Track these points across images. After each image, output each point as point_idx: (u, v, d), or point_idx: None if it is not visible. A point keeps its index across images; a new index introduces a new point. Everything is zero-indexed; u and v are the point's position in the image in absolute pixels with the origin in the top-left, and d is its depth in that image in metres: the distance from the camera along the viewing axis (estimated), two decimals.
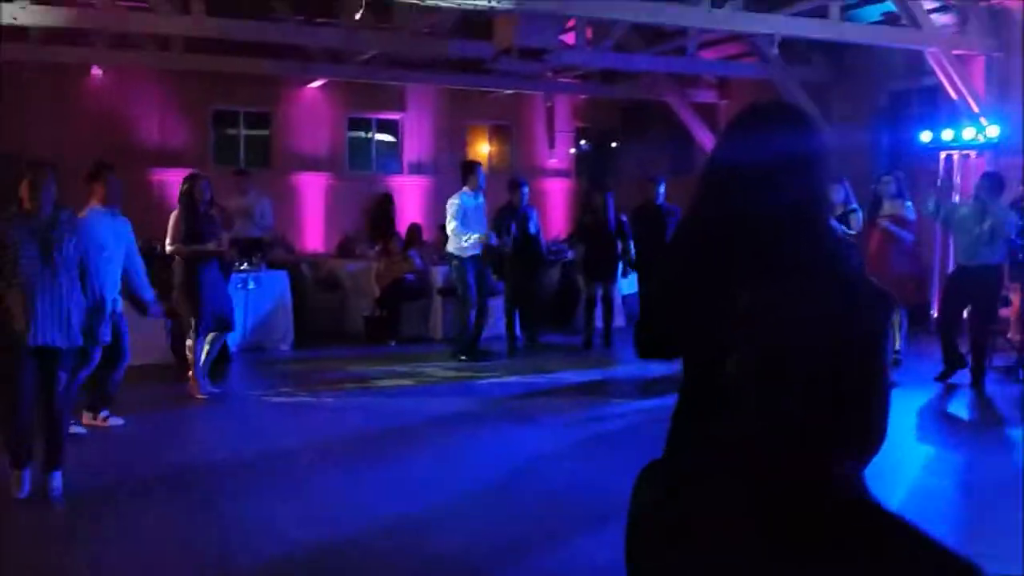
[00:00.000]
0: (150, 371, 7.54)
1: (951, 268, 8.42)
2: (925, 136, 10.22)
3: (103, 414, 5.99)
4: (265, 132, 14.32)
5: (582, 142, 16.57)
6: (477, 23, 10.19)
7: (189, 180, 7.01)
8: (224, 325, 7.01)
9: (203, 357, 6.97)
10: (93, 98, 13.10)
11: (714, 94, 14.53)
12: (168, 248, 6.84)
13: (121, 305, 6.02)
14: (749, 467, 1.14)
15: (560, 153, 16.27)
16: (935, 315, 10.09)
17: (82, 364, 5.17)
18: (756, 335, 1.19)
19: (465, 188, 8.68)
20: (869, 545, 1.08)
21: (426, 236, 11.82)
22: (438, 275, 10.00)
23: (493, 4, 8.03)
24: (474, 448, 5.76)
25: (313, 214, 14.36)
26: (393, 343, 9.55)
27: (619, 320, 10.05)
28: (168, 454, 5.56)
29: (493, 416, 6.64)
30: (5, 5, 8.46)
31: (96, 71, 13.04)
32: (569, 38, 11.40)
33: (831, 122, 12.17)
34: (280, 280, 9.28)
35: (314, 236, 14.18)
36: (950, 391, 7.31)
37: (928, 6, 10.04)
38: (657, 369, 7.03)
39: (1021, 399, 7.15)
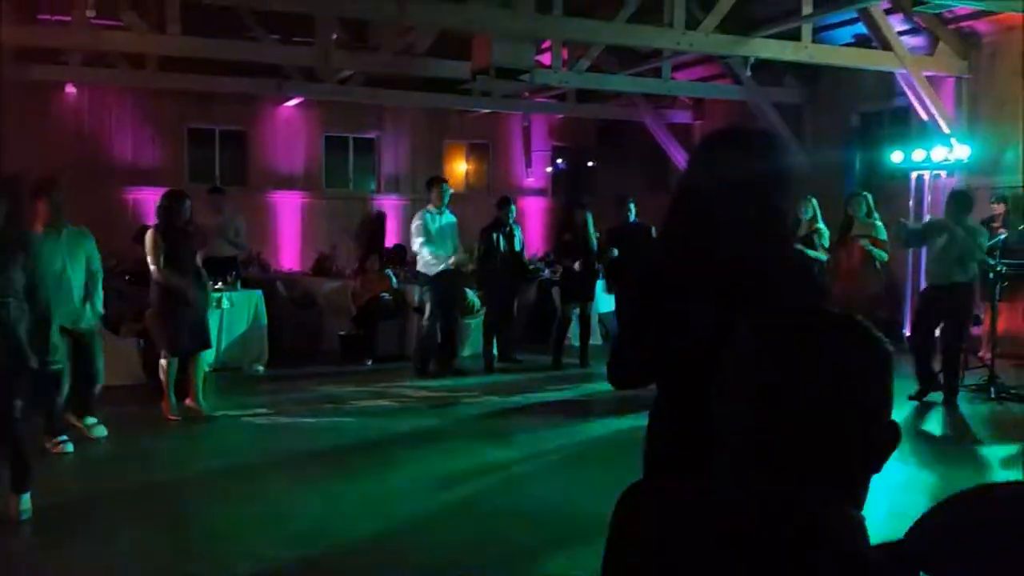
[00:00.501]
0: (124, 392, 7.46)
1: (923, 286, 8.50)
2: (896, 156, 10.38)
3: (59, 439, 5.78)
4: (241, 150, 14.27)
5: (559, 161, 16.64)
6: (454, 43, 10.24)
7: (169, 198, 6.88)
8: (202, 343, 6.95)
9: (197, 378, 6.91)
10: (67, 116, 13.01)
11: (689, 114, 14.68)
12: (153, 271, 6.69)
13: (93, 324, 5.95)
14: (734, 504, 1.12)
15: (537, 172, 16.34)
16: (907, 334, 10.21)
17: (40, 386, 5.08)
18: (749, 372, 1.16)
19: (429, 206, 8.67)
20: None
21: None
22: (415, 294, 9.99)
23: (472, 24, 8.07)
24: (448, 467, 5.73)
25: (289, 232, 14.31)
26: (369, 362, 9.50)
27: (595, 338, 10.07)
28: (141, 474, 5.49)
29: (468, 435, 6.61)
30: None
31: (70, 89, 12.96)
32: (545, 58, 11.48)
33: (804, 142, 12.33)
34: (255, 299, 9.22)
35: (290, 254, 14.11)
36: (923, 409, 7.36)
37: (898, 28, 10.22)
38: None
39: (993, 417, 7.23)
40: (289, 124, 14.36)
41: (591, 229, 9.44)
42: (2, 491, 4.47)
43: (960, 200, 7.54)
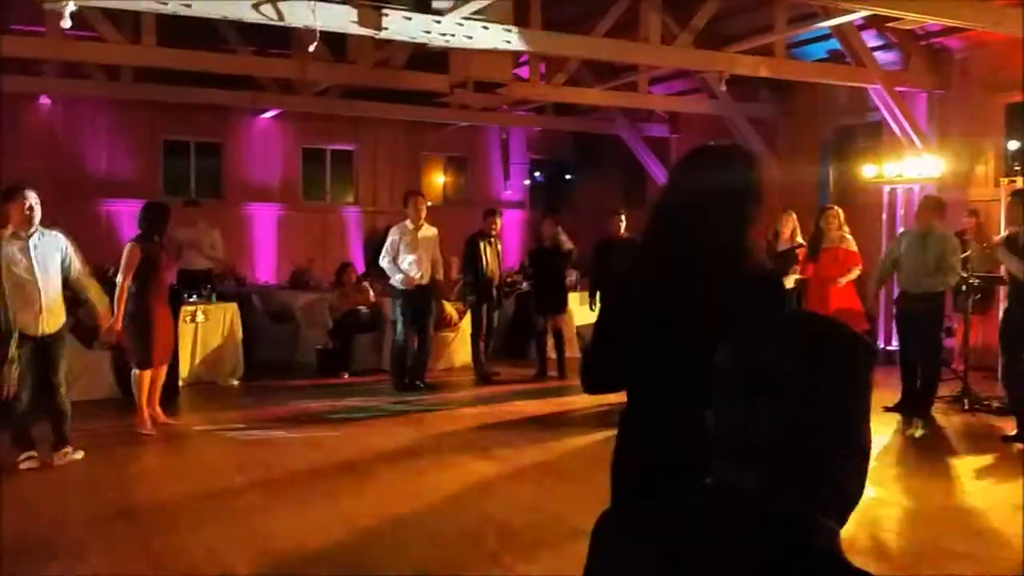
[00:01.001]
0: (97, 406, 7.37)
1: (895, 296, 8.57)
2: (869, 170, 10.50)
3: (23, 455, 5.72)
4: (216, 162, 14.19)
5: (536, 174, 16.70)
6: (432, 56, 10.25)
7: (157, 209, 6.85)
8: (169, 356, 6.93)
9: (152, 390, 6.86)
10: (41, 127, 12.89)
11: (665, 128, 14.79)
12: (121, 285, 6.62)
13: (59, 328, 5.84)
14: (717, 523, 1.12)
15: (515, 184, 16.38)
16: (881, 346, 10.31)
17: None
18: (732, 389, 1.17)
19: (406, 220, 8.65)
20: None
21: None
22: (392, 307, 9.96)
23: (448, 39, 8.08)
24: (426, 481, 5.70)
25: (265, 245, 14.23)
26: (346, 375, 9.45)
27: (574, 351, 10.08)
28: (113, 491, 5.42)
29: (446, 449, 6.59)
30: None
31: (44, 100, 12.84)
32: (523, 72, 11.53)
33: (778, 157, 12.46)
34: (230, 312, 9.15)
35: (266, 267, 14.03)
36: (897, 421, 7.41)
37: (871, 44, 10.36)
38: (611, 400, 7.07)
39: (967, 428, 7.30)
40: (265, 136, 14.31)
41: (560, 240, 9.46)
42: None
43: (930, 206, 7.62)
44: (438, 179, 16.10)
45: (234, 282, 11.62)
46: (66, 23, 6.93)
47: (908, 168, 10.13)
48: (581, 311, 10.34)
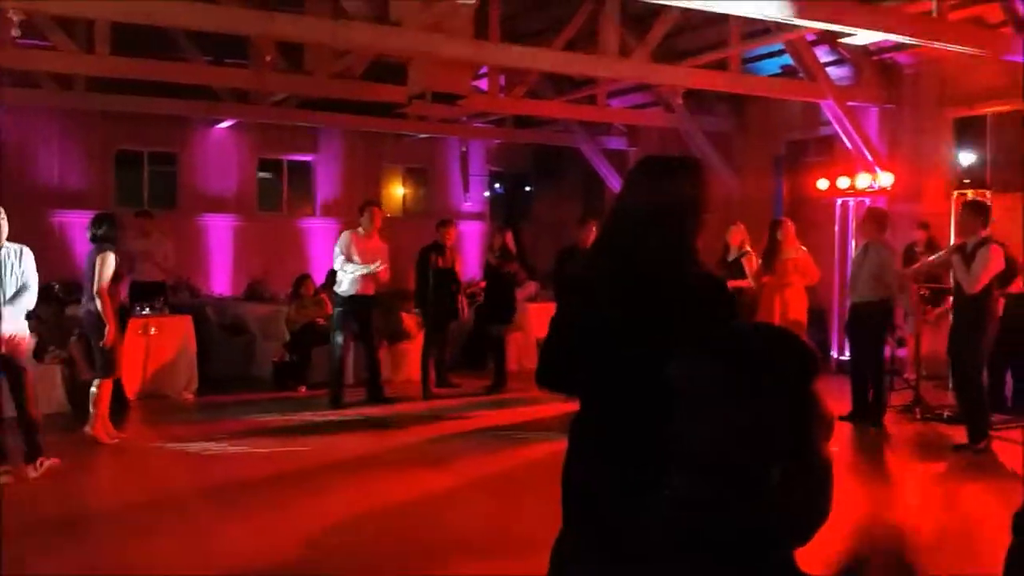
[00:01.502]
0: (46, 420, 7.19)
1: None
2: (821, 183, 10.68)
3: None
4: (171, 172, 13.99)
5: (496, 186, 16.72)
6: (391, 67, 10.23)
7: (113, 220, 6.79)
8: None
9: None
10: None
11: (624, 141, 14.90)
12: (104, 293, 6.56)
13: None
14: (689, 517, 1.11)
15: (474, 196, 16.38)
16: (834, 355, 10.46)
17: None
18: (691, 409, 1.15)
19: (358, 228, 8.58)
20: None
21: None
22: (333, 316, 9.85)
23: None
24: (382, 494, 5.65)
25: (220, 256, 14.05)
26: (303, 389, 9.33)
27: (532, 363, 10.08)
28: (65, 506, 5.30)
29: (403, 461, 6.54)
30: None
31: None
32: (483, 84, 11.56)
33: (733, 169, 12.62)
34: (184, 325, 9.01)
35: (221, 279, 13.85)
36: (850, 431, 7.50)
37: (824, 60, 10.55)
38: (569, 409, 7.08)
39: (919, 437, 7.42)
40: (221, 146, 14.14)
41: (509, 252, 9.44)
42: None
43: (876, 217, 7.77)
44: (397, 191, 16.05)
45: (188, 294, 11.45)
46: (15, 31, 6.80)
47: (859, 181, 10.32)
48: (542, 322, 10.37)
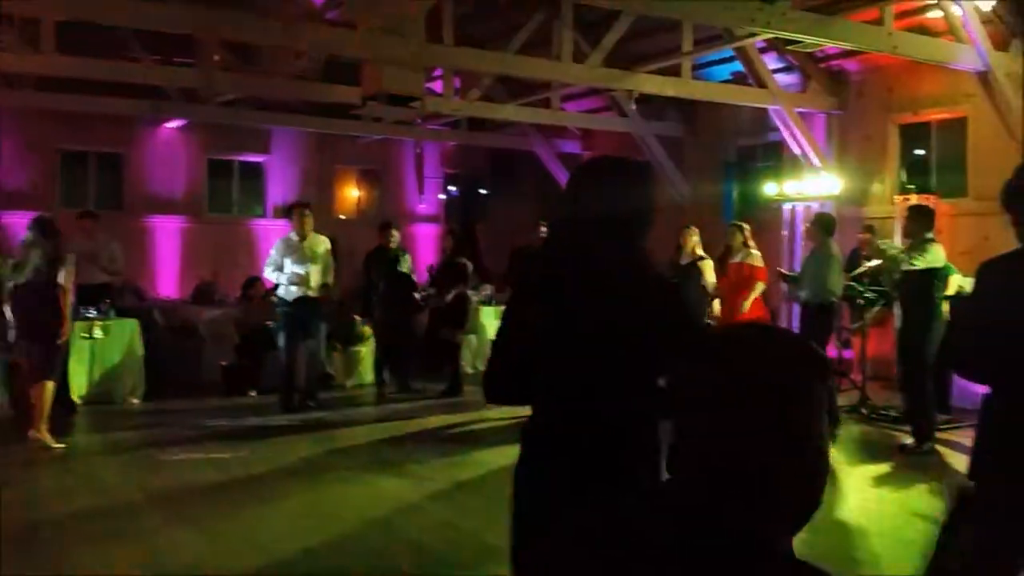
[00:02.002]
0: None
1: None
2: (770, 188, 10.85)
3: None
4: (117, 173, 13.71)
5: (451, 188, 16.68)
6: (344, 68, 10.15)
7: (50, 222, 6.72)
8: None
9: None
10: None
11: (578, 145, 14.98)
12: (66, 291, 6.55)
13: None
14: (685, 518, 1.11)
15: (429, 199, 16.32)
16: None
17: None
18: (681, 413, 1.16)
19: (291, 232, 8.42)
20: None
21: None
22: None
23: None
24: (336, 499, 5.60)
25: (168, 259, 13.79)
26: (254, 393, 9.21)
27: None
28: (8, 511, 5.13)
29: (357, 465, 6.48)
30: None
31: None
32: (437, 86, 11.52)
33: (685, 174, 12.77)
34: (130, 328, 8.83)
35: (168, 282, 13.60)
36: None
37: (772, 67, 10.72)
38: (524, 413, 7.09)
39: (865, 437, 7.56)
40: (169, 146, 13.89)
41: (463, 254, 9.43)
42: None
43: (822, 221, 7.94)
44: (352, 192, 15.93)
45: (134, 297, 11.22)
46: None
47: (807, 186, 10.50)
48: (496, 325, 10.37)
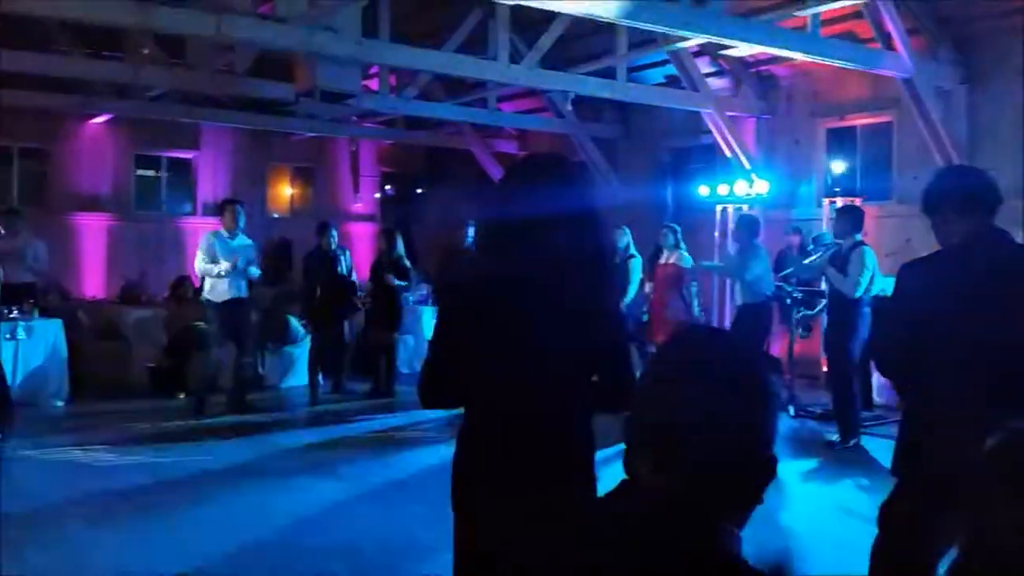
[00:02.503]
0: None
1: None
2: (703, 190, 11.04)
3: None
4: (41, 169, 13.27)
5: (387, 187, 16.56)
6: (277, 63, 9.99)
7: None
8: None
9: None
10: None
11: (515, 145, 15.02)
12: None
13: None
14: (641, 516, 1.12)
15: (365, 198, 16.18)
16: None
17: None
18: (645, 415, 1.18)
19: (221, 228, 8.24)
20: None
21: None
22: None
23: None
24: (266, 501, 5.51)
25: (93, 258, 13.40)
26: (182, 395, 8.99)
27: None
28: None
29: (288, 469, 6.38)
30: None
31: None
32: (373, 84, 11.43)
33: (620, 176, 12.90)
34: (54, 328, 8.56)
35: (94, 281, 13.22)
36: None
37: (705, 71, 10.91)
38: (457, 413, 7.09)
39: (793, 435, 7.73)
40: (96, 142, 13.50)
41: (397, 254, 9.33)
42: None
43: (747, 224, 8.13)
44: (285, 190, 15.70)
45: (59, 296, 10.88)
46: None
47: (738, 188, 10.71)
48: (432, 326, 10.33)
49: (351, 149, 15.89)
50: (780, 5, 8.59)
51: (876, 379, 7.75)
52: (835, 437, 7.12)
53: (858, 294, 6.81)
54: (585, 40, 10.69)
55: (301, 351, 9.77)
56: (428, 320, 10.20)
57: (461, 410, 2.37)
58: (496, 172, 14.37)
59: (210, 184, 14.48)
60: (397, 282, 9.16)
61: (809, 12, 8.34)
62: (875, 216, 9.55)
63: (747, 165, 10.89)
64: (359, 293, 9.93)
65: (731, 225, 10.79)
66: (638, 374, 1.45)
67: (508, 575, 1.20)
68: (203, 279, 8.20)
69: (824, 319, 7.87)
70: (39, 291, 9.34)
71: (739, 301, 8.03)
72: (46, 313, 8.85)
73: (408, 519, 5.09)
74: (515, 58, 9.82)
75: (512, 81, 10.48)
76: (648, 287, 8.71)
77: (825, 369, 8.41)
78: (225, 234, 8.10)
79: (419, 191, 16.40)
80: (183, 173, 14.53)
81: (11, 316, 8.17)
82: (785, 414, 8.20)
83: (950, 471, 1.58)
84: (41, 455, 6.58)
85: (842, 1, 8.19)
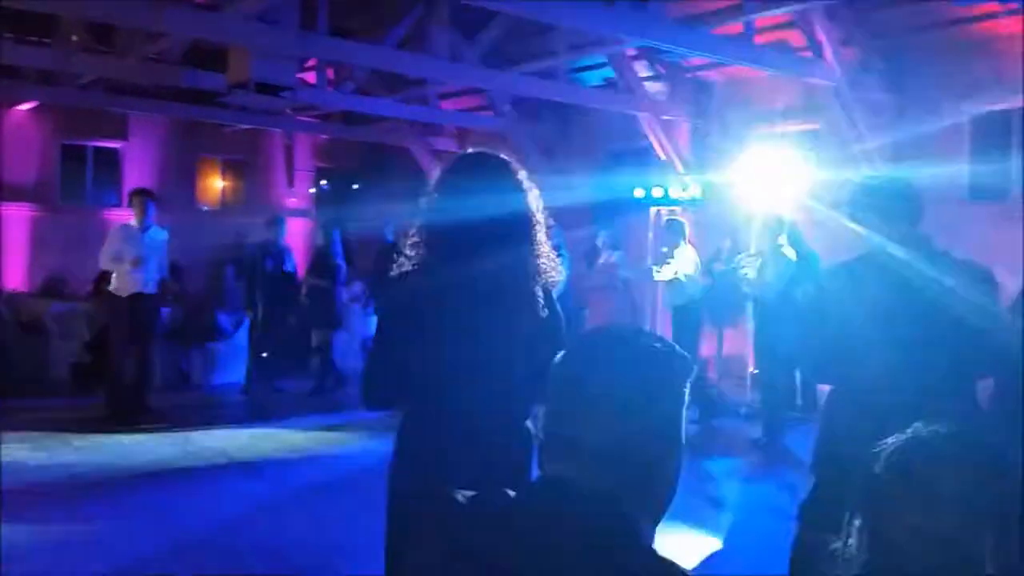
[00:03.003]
0: None
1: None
2: (638, 192, 11.16)
3: None
4: None
5: (323, 182, 16.36)
6: (210, 53, 9.78)
7: None
8: None
9: None
10: None
11: (454, 143, 14.95)
12: None
13: None
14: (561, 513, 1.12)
15: (300, 192, 15.95)
16: None
17: None
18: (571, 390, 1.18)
19: (131, 220, 7.97)
20: None
21: None
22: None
23: None
24: (189, 501, 5.39)
25: (15, 249, 12.92)
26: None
27: (357, 364, 9.93)
28: None
29: (213, 468, 6.26)
30: None
31: None
32: (310, 77, 11.27)
33: (558, 176, 12.95)
34: None
35: (15, 273, 12.75)
36: None
37: (642, 75, 11.02)
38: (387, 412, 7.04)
39: (720, 434, 7.87)
40: (19, 130, 13.01)
41: (335, 251, 9.24)
42: None
43: (672, 227, 8.34)
44: (216, 183, 15.38)
45: None
46: None
47: (672, 191, 10.86)
48: (367, 323, 10.25)
49: (286, 143, 15.64)
50: (717, 12, 8.73)
51: (800, 378, 7.94)
52: (761, 436, 7.26)
53: (770, 295, 6.98)
54: (526, 39, 10.71)
55: (228, 348, 9.59)
56: (361, 318, 10.12)
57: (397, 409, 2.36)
58: (434, 169, 14.30)
59: (138, 175, 14.07)
60: (326, 281, 9.07)
61: (744, 20, 8.50)
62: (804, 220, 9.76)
63: (680, 168, 11.04)
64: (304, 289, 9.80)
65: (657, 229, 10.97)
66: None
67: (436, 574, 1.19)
68: (111, 272, 7.87)
69: (752, 321, 8.04)
70: None
71: (668, 303, 8.17)
72: None
73: (333, 519, 5.04)
74: (455, 55, 9.79)
75: (451, 79, 10.46)
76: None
77: (752, 369, 8.61)
78: (135, 226, 7.84)
79: (356, 187, 16.23)
80: (110, 164, 14.11)
81: None
82: (708, 412, 8.34)
83: (861, 471, 1.63)
84: None
85: (777, 10, 8.37)
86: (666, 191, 10.84)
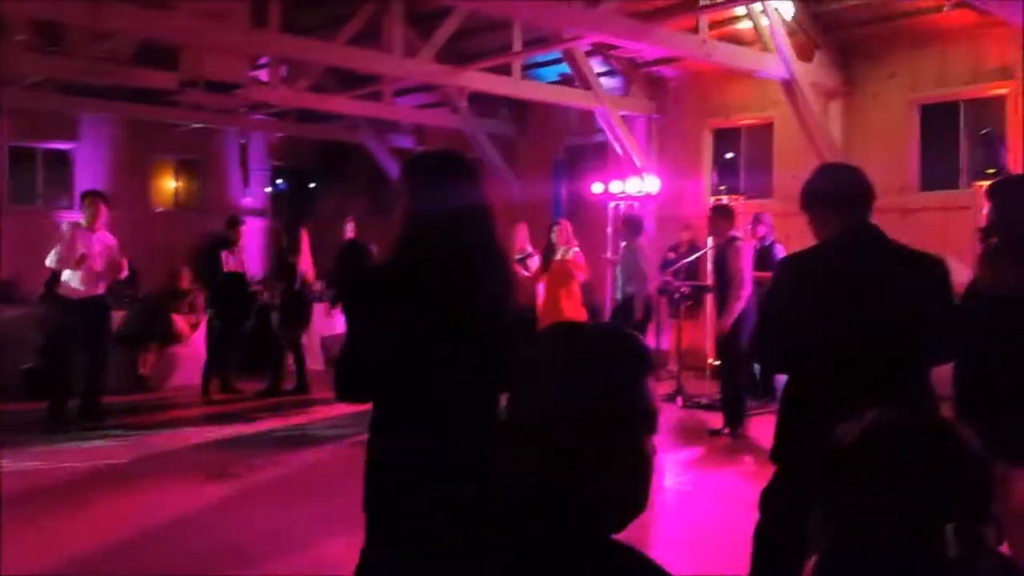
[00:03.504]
0: None
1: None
2: (596, 187, 11.23)
3: None
4: None
5: (279, 181, 16.19)
6: (161, 52, 9.63)
7: None
8: None
9: None
10: None
11: (411, 140, 14.91)
12: None
13: None
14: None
15: (255, 191, 15.78)
16: None
17: None
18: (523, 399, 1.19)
19: (80, 221, 7.75)
20: None
21: None
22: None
23: None
24: (149, 505, 5.31)
25: None
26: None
27: (316, 363, 9.85)
28: None
29: (173, 470, 6.18)
30: None
31: None
32: (263, 75, 11.15)
33: (515, 172, 12.99)
34: None
35: None
36: None
37: (598, 70, 11.09)
38: (349, 411, 7.01)
39: (680, 424, 7.95)
40: None
41: (294, 250, 9.15)
42: None
43: (630, 222, 8.46)
44: (169, 183, 15.15)
45: None
46: None
47: (629, 186, 10.95)
48: (326, 322, 10.17)
49: (240, 142, 15.46)
50: (669, 8, 8.82)
51: (758, 368, 8.06)
52: (722, 426, 7.35)
53: (741, 288, 7.06)
54: (481, 35, 10.72)
55: (185, 350, 9.47)
56: (320, 316, 10.04)
57: (369, 406, 2.37)
58: (391, 167, 14.25)
59: (89, 177, 13.80)
60: (288, 282, 9.01)
61: (699, 15, 8.60)
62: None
63: (638, 163, 11.13)
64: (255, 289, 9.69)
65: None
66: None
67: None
68: (60, 274, 7.69)
69: (711, 312, 8.15)
70: None
71: (620, 294, 8.44)
72: None
73: (297, 519, 5.00)
74: (411, 51, 9.75)
75: (406, 75, 10.42)
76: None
77: (712, 360, 8.73)
78: (84, 226, 7.68)
79: (312, 185, 16.10)
80: (60, 165, 13.83)
81: None
82: (673, 404, 8.44)
83: (820, 459, 1.67)
84: None
85: (730, 6, 8.47)
86: (624, 186, 10.92)
